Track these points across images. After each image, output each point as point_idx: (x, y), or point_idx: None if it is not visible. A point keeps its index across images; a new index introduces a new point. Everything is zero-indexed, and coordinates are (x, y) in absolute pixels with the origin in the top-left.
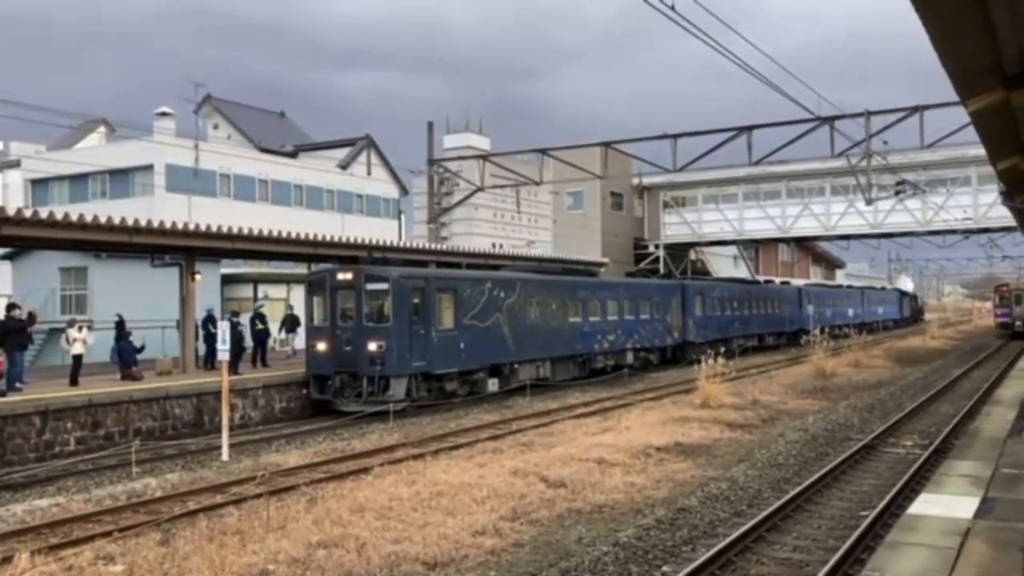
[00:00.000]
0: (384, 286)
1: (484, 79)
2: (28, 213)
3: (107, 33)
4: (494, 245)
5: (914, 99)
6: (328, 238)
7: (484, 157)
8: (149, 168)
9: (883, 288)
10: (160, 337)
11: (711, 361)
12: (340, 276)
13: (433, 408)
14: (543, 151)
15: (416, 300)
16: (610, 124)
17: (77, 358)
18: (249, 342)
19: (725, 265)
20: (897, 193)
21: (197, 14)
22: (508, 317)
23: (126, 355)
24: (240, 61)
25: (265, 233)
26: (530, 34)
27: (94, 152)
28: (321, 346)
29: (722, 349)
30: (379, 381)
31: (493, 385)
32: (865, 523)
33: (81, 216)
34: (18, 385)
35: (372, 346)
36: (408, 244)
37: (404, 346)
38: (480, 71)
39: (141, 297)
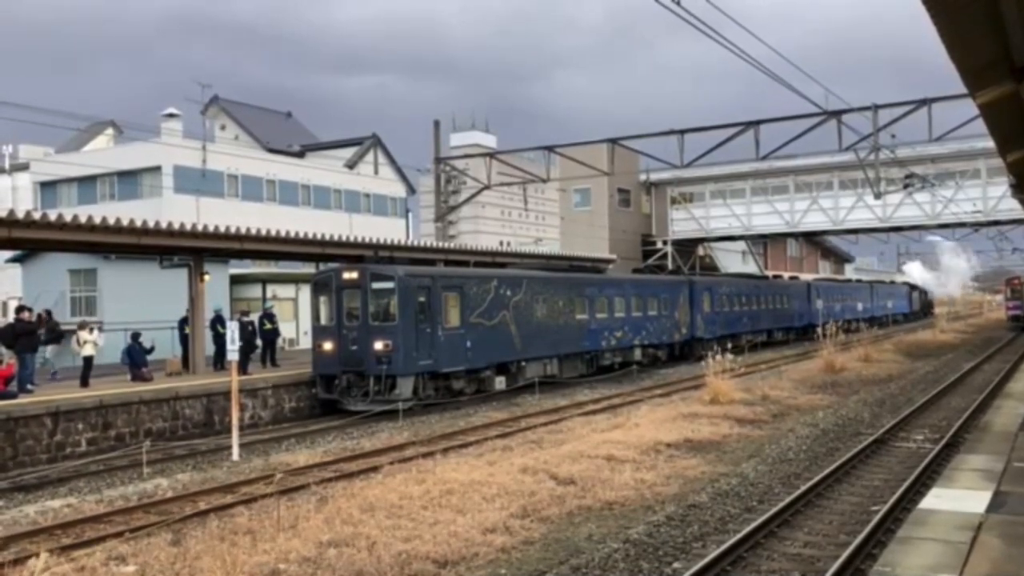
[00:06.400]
0: (390, 285)
1: (483, 81)
2: (37, 215)
3: (112, 39)
4: (501, 243)
5: (908, 95)
6: (336, 238)
7: (491, 155)
8: (157, 169)
9: (891, 282)
10: (170, 338)
11: (719, 357)
12: (346, 275)
13: (442, 407)
14: (550, 148)
15: (422, 299)
16: (609, 123)
17: (87, 359)
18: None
19: (733, 261)
20: (906, 187)
21: (199, 21)
22: (515, 315)
23: (136, 356)
24: (242, 66)
25: (273, 233)
26: (526, 36)
27: (102, 154)
28: (327, 345)
29: (730, 345)
30: (386, 380)
31: (500, 383)
32: (876, 518)
33: (90, 218)
34: (29, 387)
35: (378, 345)
36: (415, 243)
37: (410, 345)
38: (479, 74)
39: (150, 298)
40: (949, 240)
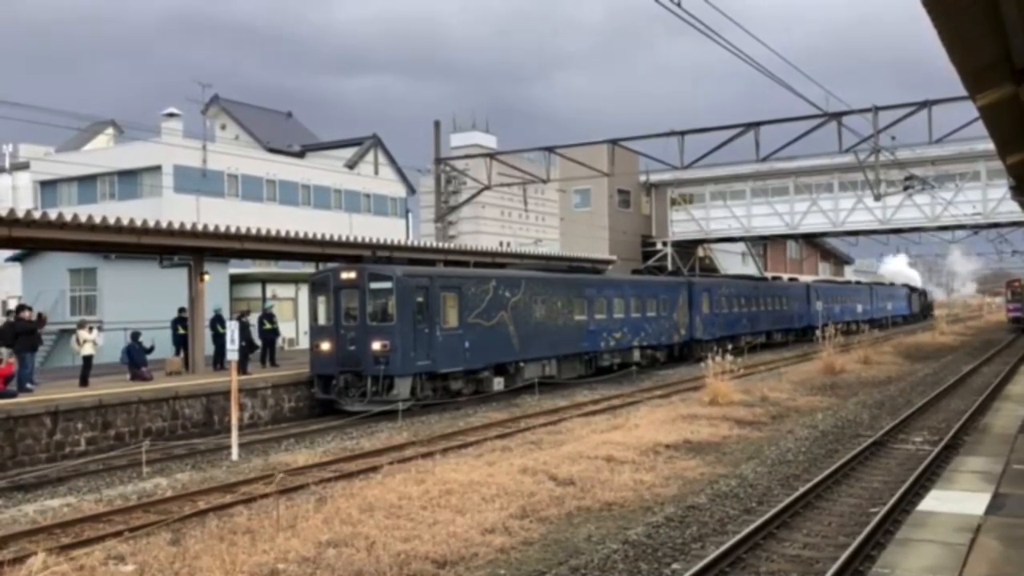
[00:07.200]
0: (388, 285)
1: (483, 82)
2: (37, 214)
3: (112, 39)
4: (501, 243)
5: (908, 97)
6: (335, 238)
7: (491, 155)
8: (157, 169)
9: (891, 284)
10: (169, 338)
11: (719, 358)
12: (344, 275)
13: (442, 407)
14: (550, 149)
15: (420, 299)
16: (609, 124)
17: (87, 359)
18: (258, 341)
19: (733, 262)
20: (906, 188)
21: (199, 21)
22: (513, 316)
23: (136, 356)
24: (242, 66)
25: (273, 233)
26: (526, 37)
27: (102, 154)
28: (325, 346)
29: (730, 346)
30: (383, 380)
31: (499, 384)
32: (875, 520)
33: (90, 217)
34: (29, 386)
35: (376, 345)
36: (414, 243)
37: (408, 345)
38: (479, 74)
39: (150, 298)
40: (951, 241)
